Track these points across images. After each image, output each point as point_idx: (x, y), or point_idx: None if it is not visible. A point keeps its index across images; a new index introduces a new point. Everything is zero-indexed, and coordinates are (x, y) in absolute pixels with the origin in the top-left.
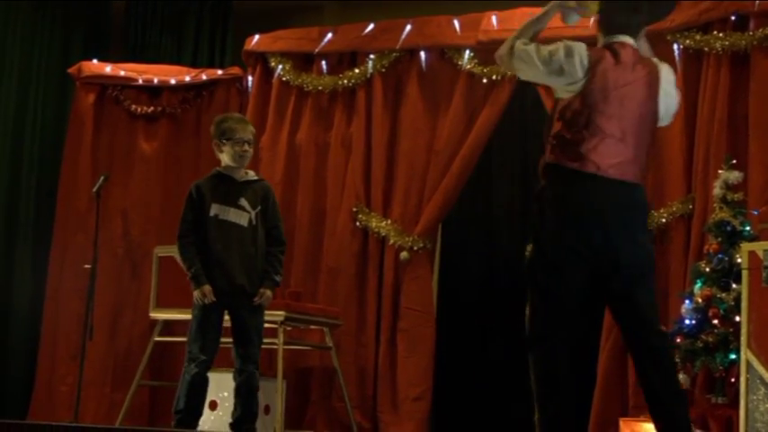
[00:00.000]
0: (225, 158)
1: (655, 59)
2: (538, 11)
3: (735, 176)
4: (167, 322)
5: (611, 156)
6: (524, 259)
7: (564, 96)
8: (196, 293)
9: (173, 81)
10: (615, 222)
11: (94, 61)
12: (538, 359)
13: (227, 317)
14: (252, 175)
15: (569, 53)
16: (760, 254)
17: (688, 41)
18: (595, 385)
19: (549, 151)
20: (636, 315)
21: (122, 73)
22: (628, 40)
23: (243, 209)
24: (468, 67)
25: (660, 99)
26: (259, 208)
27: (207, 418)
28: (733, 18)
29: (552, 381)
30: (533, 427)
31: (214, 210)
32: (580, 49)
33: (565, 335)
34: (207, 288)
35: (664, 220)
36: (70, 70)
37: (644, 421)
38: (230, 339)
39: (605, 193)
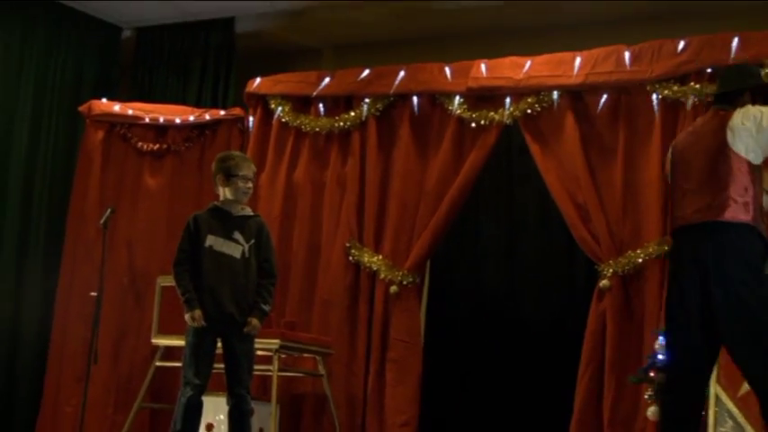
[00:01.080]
0: (226, 193)
1: None
2: (525, 60)
3: None
4: (168, 348)
5: None
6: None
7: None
8: (187, 317)
9: (178, 120)
10: None
11: (104, 100)
12: None
13: (219, 344)
14: (248, 210)
15: None
16: None
17: (666, 92)
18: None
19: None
20: None
21: (130, 112)
22: None
23: (237, 242)
24: (458, 112)
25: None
26: (252, 242)
27: None
28: (709, 71)
29: None
30: None
31: (209, 241)
32: None
33: None
34: (197, 313)
35: (641, 261)
36: (81, 108)
37: None
38: (223, 366)
39: None
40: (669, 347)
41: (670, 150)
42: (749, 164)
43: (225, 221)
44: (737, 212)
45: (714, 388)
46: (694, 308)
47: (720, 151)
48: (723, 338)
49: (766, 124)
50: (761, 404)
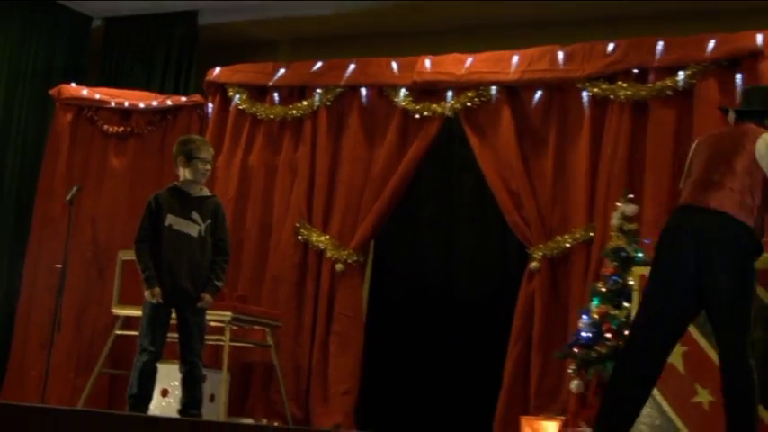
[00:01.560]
0: (186, 174)
1: None
2: (466, 57)
3: (631, 209)
4: (128, 318)
5: None
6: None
7: None
8: (147, 293)
9: (141, 105)
10: None
11: (73, 85)
12: None
13: (174, 315)
14: (205, 191)
15: None
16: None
17: (595, 90)
18: None
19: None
20: None
21: (97, 96)
22: None
23: (194, 221)
24: (403, 104)
25: None
26: (209, 221)
27: (159, 404)
28: (635, 71)
29: None
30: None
31: (169, 220)
32: None
33: None
34: (156, 290)
35: (568, 245)
36: (51, 92)
37: (543, 419)
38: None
39: None
40: (646, 309)
41: (696, 143)
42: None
43: (184, 202)
44: (748, 217)
45: None
46: (689, 277)
47: (748, 160)
48: (711, 317)
49: None
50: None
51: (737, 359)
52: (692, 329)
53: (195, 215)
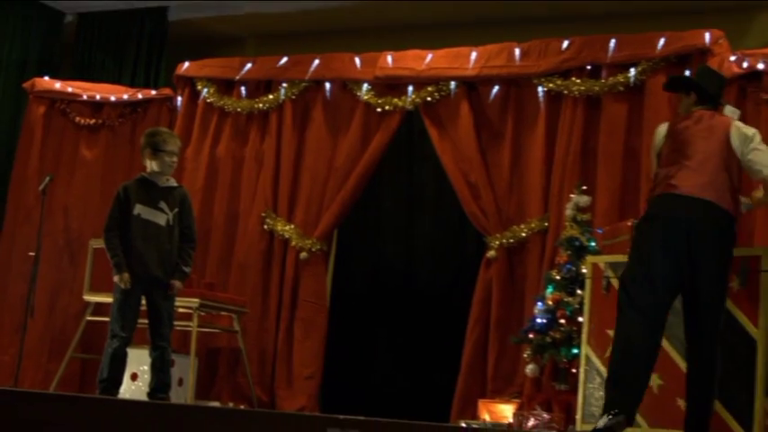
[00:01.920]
0: (153, 166)
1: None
2: (426, 53)
3: (584, 200)
4: (98, 304)
5: None
6: (405, 262)
7: None
8: (116, 279)
9: (113, 98)
10: None
11: (46, 78)
12: None
13: (143, 301)
14: (172, 181)
15: None
16: (601, 266)
17: (550, 85)
18: None
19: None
20: None
21: (70, 89)
22: None
23: (162, 210)
24: (366, 97)
25: None
26: (176, 210)
27: (128, 388)
28: (589, 67)
29: None
30: (407, 401)
31: (137, 209)
32: None
33: None
34: (125, 276)
35: (524, 235)
36: (25, 85)
37: (500, 402)
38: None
39: None
40: (639, 296)
41: (665, 131)
42: (740, 167)
43: (152, 192)
44: (728, 203)
45: (584, 349)
46: (678, 265)
47: (723, 148)
48: (690, 303)
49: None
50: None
51: (710, 346)
52: None
53: (163, 204)
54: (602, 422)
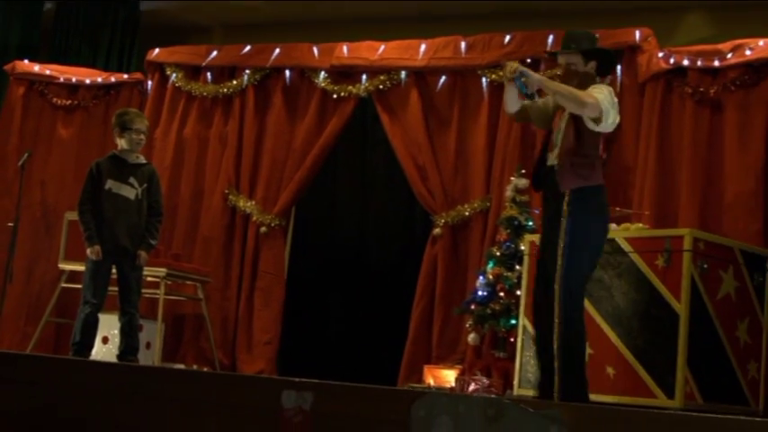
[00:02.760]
0: (122, 143)
1: None
2: (379, 44)
3: (523, 183)
4: (73, 272)
5: None
6: (358, 238)
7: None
8: (88, 251)
9: (87, 81)
10: None
11: (26, 62)
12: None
13: (114, 270)
14: (141, 158)
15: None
16: (538, 243)
17: (493, 76)
18: None
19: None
20: None
21: (48, 72)
22: None
23: (131, 185)
24: (323, 84)
25: None
26: (145, 185)
27: (100, 350)
28: (529, 60)
29: None
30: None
31: (108, 184)
32: None
33: None
34: (96, 248)
35: (467, 214)
36: (5, 68)
37: (443, 368)
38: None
39: None
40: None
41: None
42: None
43: (122, 168)
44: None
45: (522, 320)
46: (554, 230)
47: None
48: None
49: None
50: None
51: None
52: None
53: (132, 180)
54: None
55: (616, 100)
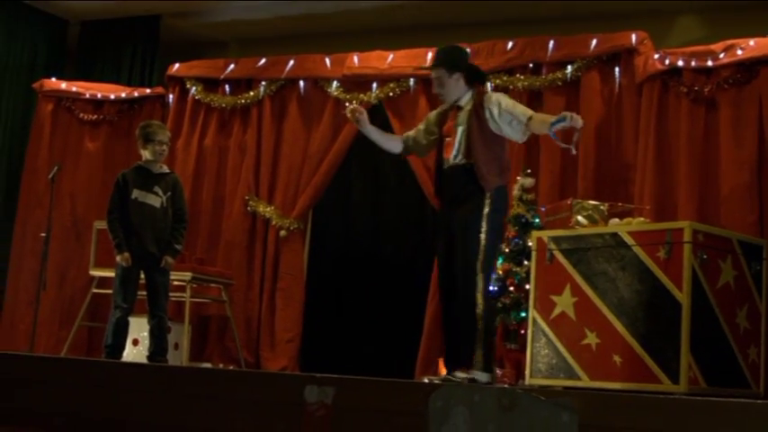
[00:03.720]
0: (146, 154)
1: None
2: (388, 54)
3: (529, 182)
4: (103, 278)
5: None
6: (372, 237)
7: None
8: (118, 258)
9: (112, 96)
10: None
11: (53, 79)
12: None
13: (142, 275)
14: (165, 168)
15: None
16: (545, 239)
17: (497, 81)
18: None
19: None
20: None
21: (74, 89)
22: None
23: (157, 194)
24: (335, 93)
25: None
26: (169, 194)
27: (130, 352)
28: (531, 65)
29: None
30: (376, 360)
31: (135, 194)
32: None
33: None
34: (125, 255)
35: None
36: (34, 85)
37: None
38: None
39: None
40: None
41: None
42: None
43: (147, 178)
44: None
45: (531, 312)
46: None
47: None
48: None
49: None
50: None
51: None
52: (580, 282)
53: (157, 189)
54: (485, 377)
55: None
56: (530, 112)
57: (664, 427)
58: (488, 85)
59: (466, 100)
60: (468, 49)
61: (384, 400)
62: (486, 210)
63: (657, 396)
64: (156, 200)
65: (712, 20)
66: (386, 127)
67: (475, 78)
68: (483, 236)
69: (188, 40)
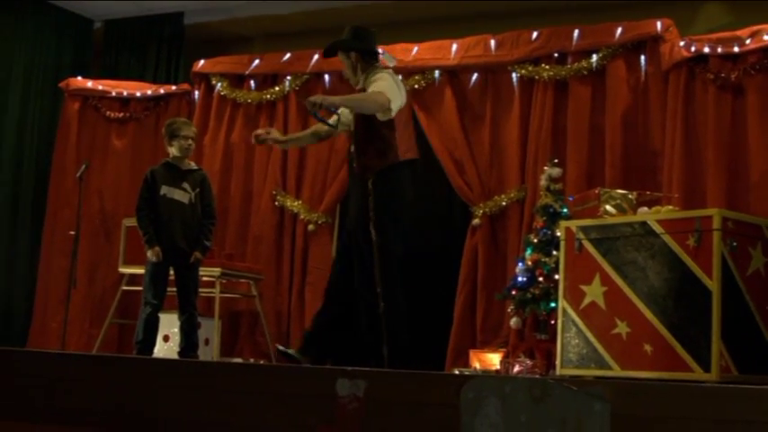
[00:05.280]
0: (173, 151)
1: None
2: (413, 46)
3: (556, 172)
4: (132, 275)
5: None
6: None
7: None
8: (149, 253)
9: (138, 94)
10: None
11: (79, 78)
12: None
13: (172, 272)
14: (193, 165)
15: None
16: (573, 229)
17: (523, 71)
18: None
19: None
20: None
21: (100, 87)
22: None
23: (185, 190)
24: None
25: None
26: (197, 190)
27: (161, 348)
28: (556, 55)
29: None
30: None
31: (163, 190)
32: None
33: None
34: (156, 249)
35: (504, 203)
36: (60, 84)
37: (488, 352)
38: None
39: None
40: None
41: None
42: None
43: (175, 174)
44: None
45: (561, 302)
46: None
47: None
48: None
49: None
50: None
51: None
52: (610, 271)
53: (185, 185)
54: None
55: (398, 78)
56: (370, 92)
57: (696, 415)
58: (387, 61)
59: (363, 82)
60: (372, 29)
61: (415, 393)
62: (371, 199)
63: (689, 384)
64: (184, 196)
65: (737, 6)
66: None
67: (369, 55)
68: (373, 231)
69: (212, 37)
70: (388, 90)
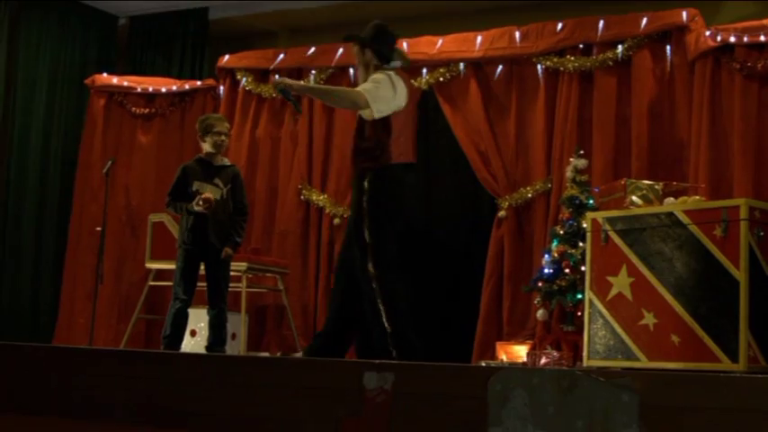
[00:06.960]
0: (206, 147)
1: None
2: (437, 39)
3: (582, 163)
4: (159, 270)
5: None
6: (426, 224)
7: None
8: (197, 208)
9: (163, 89)
10: None
11: (104, 74)
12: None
13: (202, 267)
14: (226, 161)
15: None
16: (599, 220)
17: (548, 63)
18: None
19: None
20: None
21: (125, 83)
22: None
23: (217, 186)
24: None
25: None
26: (229, 186)
27: (188, 343)
28: (581, 46)
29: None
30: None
31: (195, 185)
32: None
33: None
34: (199, 197)
35: (530, 195)
36: (86, 81)
37: (515, 344)
38: (205, 284)
39: None
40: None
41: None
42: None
43: (207, 170)
44: None
45: (588, 294)
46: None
47: None
48: None
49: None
50: None
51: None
52: (636, 262)
53: (217, 181)
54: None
55: (398, 84)
56: (349, 89)
57: (724, 405)
58: (393, 64)
59: (362, 80)
60: (395, 33)
61: (443, 385)
62: (365, 199)
63: (718, 375)
64: (216, 192)
65: None
66: (437, 111)
67: (385, 55)
68: (367, 233)
69: (237, 31)
70: (373, 91)
